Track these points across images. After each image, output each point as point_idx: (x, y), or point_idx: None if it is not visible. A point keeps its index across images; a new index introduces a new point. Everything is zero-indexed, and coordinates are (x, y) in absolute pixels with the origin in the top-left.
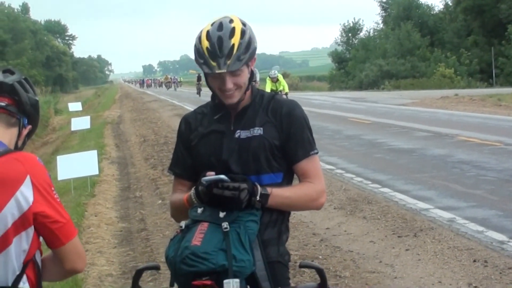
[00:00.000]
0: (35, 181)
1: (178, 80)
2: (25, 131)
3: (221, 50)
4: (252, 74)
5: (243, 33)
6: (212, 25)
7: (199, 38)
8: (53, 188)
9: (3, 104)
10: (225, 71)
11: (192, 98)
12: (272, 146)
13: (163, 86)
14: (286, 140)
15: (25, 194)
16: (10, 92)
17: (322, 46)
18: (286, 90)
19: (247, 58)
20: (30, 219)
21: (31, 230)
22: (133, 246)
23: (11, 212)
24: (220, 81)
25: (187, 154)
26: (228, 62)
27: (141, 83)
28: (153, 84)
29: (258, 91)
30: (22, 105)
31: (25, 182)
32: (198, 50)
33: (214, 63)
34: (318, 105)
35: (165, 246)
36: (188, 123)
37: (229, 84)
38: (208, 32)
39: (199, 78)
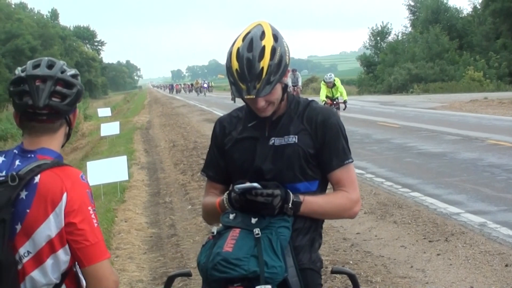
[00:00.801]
0: (71, 199)
1: (210, 85)
2: (74, 119)
3: (250, 73)
4: (286, 86)
5: (273, 52)
6: (243, 40)
7: (230, 56)
8: (90, 208)
9: (43, 117)
10: (254, 96)
11: (220, 103)
12: (306, 154)
13: (193, 91)
14: (321, 148)
15: (62, 212)
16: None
17: (350, 50)
18: (345, 97)
19: (278, 79)
20: (64, 236)
21: (68, 246)
22: (163, 251)
23: (48, 229)
24: (251, 100)
25: (220, 157)
26: (258, 85)
27: (171, 88)
28: (182, 89)
29: (293, 98)
30: (65, 104)
31: (62, 200)
32: (228, 68)
33: (243, 86)
34: (347, 109)
35: (195, 252)
36: (223, 126)
37: (261, 103)
38: (238, 51)
39: None
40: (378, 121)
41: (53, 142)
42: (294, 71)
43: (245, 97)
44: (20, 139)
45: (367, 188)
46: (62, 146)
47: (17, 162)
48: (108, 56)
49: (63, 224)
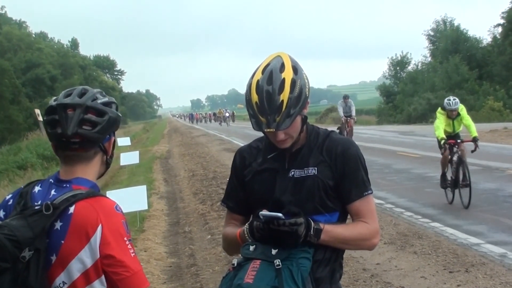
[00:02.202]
0: (107, 231)
1: (230, 114)
2: (110, 146)
3: (270, 106)
4: (305, 118)
5: (293, 85)
6: (263, 72)
7: (249, 88)
8: (126, 239)
9: (75, 146)
10: (273, 130)
11: (240, 132)
12: (326, 186)
13: (215, 120)
14: (340, 179)
15: (97, 243)
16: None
17: (370, 80)
18: (474, 132)
19: (298, 111)
20: (100, 268)
21: (104, 277)
22: (183, 281)
23: (83, 260)
24: (270, 133)
25: (240, 188)
26: (277, 119)
27: (190, 117)
28: (203, 119)
29: (313, 129)
30: (96, 132)
31: (97, 231)
32: (248, 101)
33: (263, 119)
34: (367, 139)
35: (214, 282)
36: (243, 157)
37: (280, 136)
38: (258, 83)
39: None
40: (398, 151)
41: (88, 171)
42: (346, 98)
43: (265, 130)
44: (39, 169)
45: (387, 218)
46: (102, 174)
47: (52, 192)
48: (128, 85)
49: (98, 256)
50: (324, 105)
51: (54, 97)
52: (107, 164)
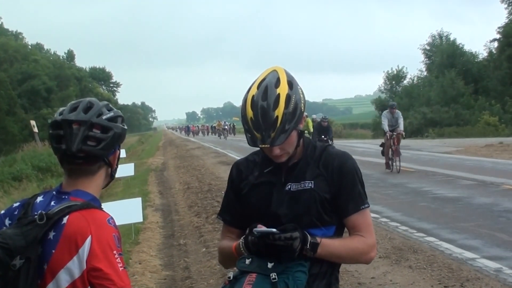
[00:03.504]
0: (96, 242)
1: (231, 126)
2: (114, 160)
3: (264, 122)
4: (302, 132)
5: (288, 100)
6: (258, 87)
7: (244, 104)
8: (115, 252)
9: (80, 161)
10: (268, 146)
11: (235, 145)
12: (323, 199)
13: (212, 133)
14: (337, 193)
15: (84, 254)
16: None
17: (365, 94)
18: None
19: (293, 126)
20: (86, 279)
21: None
22: None
23: (71, 270)
24: (266, 149)
25: (236, 201)
26: (272, 134)
27: (186, 130)
28: (200, 131)
29: (310, 143)
30: (100, 149)
31: (86, 243)
32: (243, 116)
33: (258, 135)
34: (362, 152)
35: None
36: (239, 170)
37: (276, 151)
38: (253, 99)
39: None
40: None
41: (90, 184)
42: (392, 108)
43: (260, 146)
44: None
45: (382, 232)
46: (106, 185)
47: (52, 203)
48: (123, 97)
49: (85, 267)
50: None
51: (60, 110)
52: (111, 176)
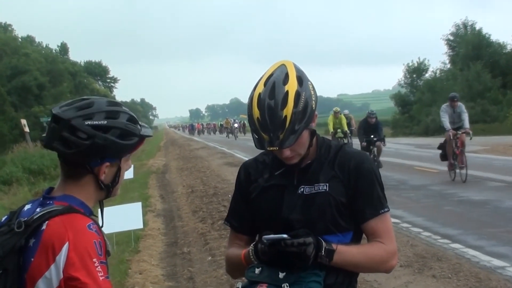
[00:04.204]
0: (73, 249)
1: (240, 125)
2: (102, 171)
3: (272, 122)
4: (314, 131)
5: (297, 98)
6: (265, 84)
7: (251, 102)
8: (95, 260)
9: (60, 159)
10: (276, 148)
11: (242, 145)
12: (338, 203)
13: (220, 132)
14: (354, 196)
15: (61, 263)
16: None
17: (384, 88)
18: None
19: (303, 126)
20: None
21: None
22: None
23: (50, 279)
24: (275, 151)
25: (245, 206)
26: (281, 136)
27: (190, 128)
28: (206, 130)
29: (324, 142)
30: (71, 154)
31: (62, 250)
32: (249, 116)
33: (265, 136)
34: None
35: None
36: (248, 172)
37: (286, 153)
38: (259, 97)
39: None
40: (415, 166)
41: (79, 190)
42: (454, 100)
43: (268, 149)
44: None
45: (403, 238)
46: (103, 199)
47: (37, 209)
48: (122, 94)
49: (62, 276)
50: None
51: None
52: (102, 189)
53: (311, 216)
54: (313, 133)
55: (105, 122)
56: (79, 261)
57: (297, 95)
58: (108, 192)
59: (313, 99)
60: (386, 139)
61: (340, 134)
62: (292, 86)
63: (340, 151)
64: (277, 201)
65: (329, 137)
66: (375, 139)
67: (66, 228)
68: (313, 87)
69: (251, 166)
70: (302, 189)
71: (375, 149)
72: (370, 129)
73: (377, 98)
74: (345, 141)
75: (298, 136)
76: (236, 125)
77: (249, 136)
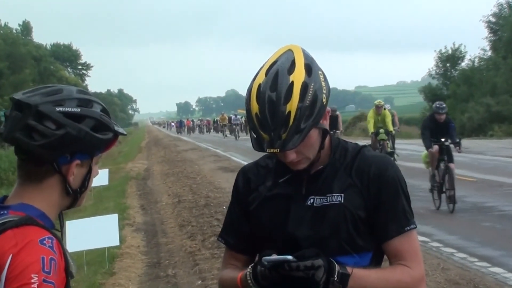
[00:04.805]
0: (14, 263)
1: (241, 121)
2: (70, 171)
3: (273, 119)
4: (326, 131)
5: (304, 91)
6: (266, 73)
7: (249, 95)
8: (34, 276)
9: (22, 156)
10: (277, 150)
11: (240, 146)
12: (355, 218)
13: (215, 130)
14: (374, 210)
15: (3, 278)
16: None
17: (411, 80)
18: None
19: (311, 125)
20: None
21: None
22: None
23: None
24: (277, 153)
25: (243, 219)
26: (284, 135)
27: (179, 126)
28: (197, 128)
29: (339, 144)
30: (39, 146)
31: (6, 264)
32: (247, 111)
33: (265, 136)
34: (406, 156)
35: None
36: (247, 179)
37: (290, 157)
38: (259, 89)
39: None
40: None
41: (38, 196)
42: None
43: (267, 150)
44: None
45: (432, 261)
46: (68, 208)
47: None
48: (96, 83)
49: None
50: (351, 112)
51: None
52: (69, 194)
53: (322, 233)
54: (324, 133)
55: (79, 110)
56: (16, 275)
57: (304, 86)
58: (75, 199)
59: (324, 91)
60: (413, 141)
61: (383, 136)
62: (298, 76)
63: (359, 154)
64: (281, 214)
65: (368, 141)
66: (446, 142)
67: (16, 241)
68: (324, 77)
69: (251, 171)
70: (311, 200)
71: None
72: (439, 129)
73: (403, 91)
74: (389, 144)
75: (304, 136)
76: (238, 122)
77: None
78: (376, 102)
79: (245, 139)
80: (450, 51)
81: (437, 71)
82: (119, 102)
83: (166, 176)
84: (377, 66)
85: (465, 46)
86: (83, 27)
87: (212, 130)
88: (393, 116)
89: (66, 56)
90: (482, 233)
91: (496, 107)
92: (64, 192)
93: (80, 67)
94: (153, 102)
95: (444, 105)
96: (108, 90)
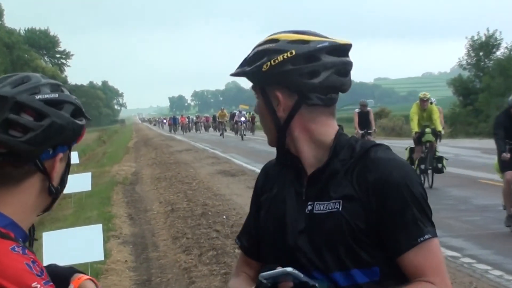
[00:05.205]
0: (2, 280)
1: (248, 119)
2: (54, 167)
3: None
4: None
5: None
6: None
7: None
8: (36, 285)
9: None
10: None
11: (242, 147)
12: (354, 229)
13: (213, 128)
14: (379, 222)
15: None
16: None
17: (438, 71)
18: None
19: (253, 71)
20: None
21: None
22: None
23: None
24: None
25: (256, 221)
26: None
27: (172, 123)
28: (193, 126)
29: (348, 141)
30: (24, 142)
31: None
32: None
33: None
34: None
35: None
36: (266, 175)
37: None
38: None
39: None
40: (481, 178)
41: (11, 201)
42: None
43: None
44: None
45: (464, 279)
46: (46, 210)
47: None
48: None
49: None
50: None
51: None
52: (51, 193)
53: (318, 245)
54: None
55: (56, 95)
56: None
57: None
58: (54, 199)
59: (292, 64)
60: (442, 141)
61: (430, 137)
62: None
63: (365, 155)
64: (282, 222)
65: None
66: None
67: None
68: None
69: (271, 168)
70: (310, 207)
71: None
72: None
73: (430, 83)
74: (437, 146)
75: (246, 73)
76: (243, 118)
77: (258, 135)
78: (420, 95)
79: (251, 138)
80: (483, 38)
81: (469, 61)
82: (103, 95)
83: (157, 180)
84: (400, 55)
85: (500, 32)
86: (62, 10)
87: (211, 128)
88: (439, 112)
89: (43, 43)
90: None
91: None
92: (45, 192)
93: (58, 55)
94: (142, 96)
95: None
96: (91, 82)
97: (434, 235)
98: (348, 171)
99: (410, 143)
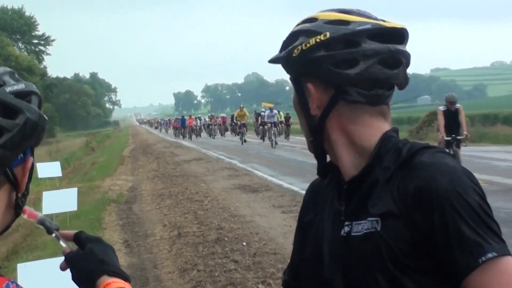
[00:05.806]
0: None
1: (278, 117)
2: (24, 175)
3: None
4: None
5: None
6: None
7: None
8: None
9: None
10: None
11: (264, 154)
12: (396, 253)
13: (229, 132)
14: (428, 240)
15: None
16: None
17: (511, 61)
18: None
19: (284, 57)
20: None
21: None
22: None
23: None
24: None
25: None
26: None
27: (179, 125)
28: (204, 129)
29: (394, 143)
30: (1, 146)
31: None
32: None
33: None
34: (504, 171)
35: None
36: (312, 192)
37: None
38: None
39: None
40: None
41: None
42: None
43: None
44: None
45: None
46: (7, 228)
47: None
48: (58, 64)
49: None
50: (426, 105)
51: None
52: (18, 208)
53: (354, 274)
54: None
55: (23, 85)
56: None
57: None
58: (17, 211)
59: (325, 49)
60: None
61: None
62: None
63: (410, 160)
64: (318, 248)
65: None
66: None
67: None
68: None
69: (319, 182)
70: (348, 228)
71: None
72: None
73: (500, 76)
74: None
75: (281, 60)
76: (273, 119)
77: (295, 139)
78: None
79: (284, 145)
80: None
81: None
82: (92, 91)
83: (160, 198)
84: (463, 40)
85: None
86: None
87: (228, 132)
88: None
89: (17, 25)
90: None
91: None
92: (11, 207)
93: (35, 41)
94: (140, 92)
95: None
96: (76, 75)
97: (502, 252)
98: (389, 181)
99: (471, 148)
